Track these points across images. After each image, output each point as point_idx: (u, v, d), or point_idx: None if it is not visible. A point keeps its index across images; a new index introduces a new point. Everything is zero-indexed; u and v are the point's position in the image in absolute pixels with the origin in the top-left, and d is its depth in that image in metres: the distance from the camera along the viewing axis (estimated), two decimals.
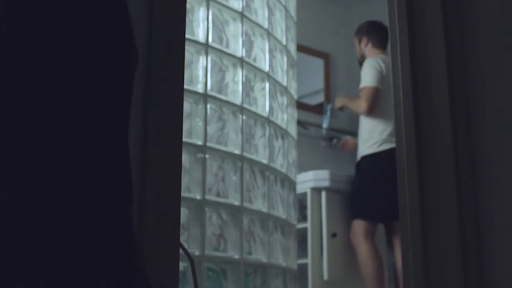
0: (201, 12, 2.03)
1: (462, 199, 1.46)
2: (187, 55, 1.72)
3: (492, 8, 1.55)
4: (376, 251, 3.47)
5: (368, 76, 3.60)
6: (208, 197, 1.94)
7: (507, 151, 1.45)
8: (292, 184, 2.46)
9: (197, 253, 1.87)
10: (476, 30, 1.56)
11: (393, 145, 3.15)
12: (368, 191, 3.53)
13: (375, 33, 3.79)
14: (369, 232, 3.50)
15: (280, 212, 2.28)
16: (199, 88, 1.98)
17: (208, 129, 2.00)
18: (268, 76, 2.30)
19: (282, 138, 2.38)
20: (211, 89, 2.04)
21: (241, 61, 2.17)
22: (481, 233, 1.44)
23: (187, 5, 1.63)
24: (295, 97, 2.64)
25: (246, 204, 2.07)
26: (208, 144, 1.99)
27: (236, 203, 2.04)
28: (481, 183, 1.46)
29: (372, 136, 3.56)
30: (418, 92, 1.58)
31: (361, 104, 3.57)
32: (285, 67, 2.46)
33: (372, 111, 3.55)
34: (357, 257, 3.52)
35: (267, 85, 2.29)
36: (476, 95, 1.52)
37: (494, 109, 1.50)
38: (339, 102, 3.99)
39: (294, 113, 2.59)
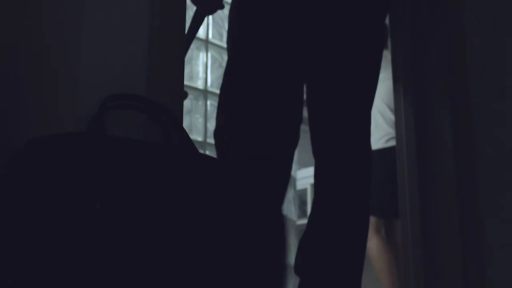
0: None
1: (462, 198, 1.46)
2: None
3: (492, 6, 1.54)
4: (386, 245, 3.43)
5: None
6: None
7: (507, 150, 1.44)
8: (292, 180, 2.46)
9: None
10: (476, 28, 1.56)
11: None
12: (379, 187, 3.45)
13: None
14: (378, 227, 3.47)
15: None
16: (199, 84, 1.97)
17: (208, 125, 1.99)
18: None
19: None
20: (211, 85, 2.04)
21: None
22: (481, 233, 1.43)
23: (187, 2, 1.62)
24: None
25: None
26: (208, 140, 1.98)
27: None
28: (481, 182, 1.46)
29: (378, 129, 3.53)
30: (418, 91, 1.57)
31: None
32: None
33: None
34: (368, 253, 3.47)
35: None
36: (476, 94, 1.51)
37: (494, 108, 1.49)
38: None
39: None
